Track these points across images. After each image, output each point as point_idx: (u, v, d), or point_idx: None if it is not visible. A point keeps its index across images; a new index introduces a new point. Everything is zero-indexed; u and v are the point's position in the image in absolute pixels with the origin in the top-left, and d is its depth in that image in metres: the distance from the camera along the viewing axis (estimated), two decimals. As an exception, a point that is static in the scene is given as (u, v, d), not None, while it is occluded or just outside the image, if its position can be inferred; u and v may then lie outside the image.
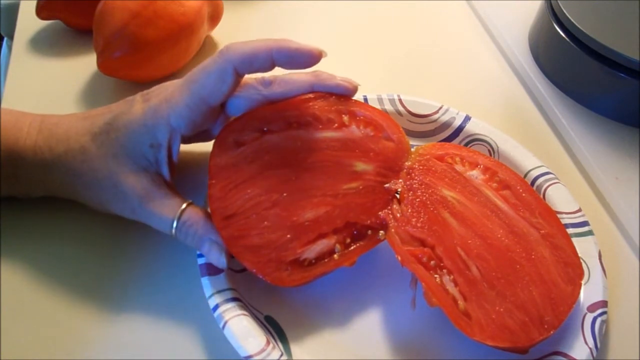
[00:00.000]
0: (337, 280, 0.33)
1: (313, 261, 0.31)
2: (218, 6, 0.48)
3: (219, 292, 0.30)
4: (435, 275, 0.31)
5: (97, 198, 0.33)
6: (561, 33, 0.46)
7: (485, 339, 0.29)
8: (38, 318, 0.31)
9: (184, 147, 0.37)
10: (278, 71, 0.33)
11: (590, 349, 0.29)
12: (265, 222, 0.31)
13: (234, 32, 0.51)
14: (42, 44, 0.49)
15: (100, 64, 0.43)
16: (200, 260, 0.32)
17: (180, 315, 0.32)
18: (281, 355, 0.28)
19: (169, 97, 0.32)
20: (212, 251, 0.31)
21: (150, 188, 0.32)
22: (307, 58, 0.32)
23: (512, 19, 0.54)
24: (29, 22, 0.51)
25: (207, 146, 0.34)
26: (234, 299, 0.30)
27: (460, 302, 0.30)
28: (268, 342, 0.29)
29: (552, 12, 0.47)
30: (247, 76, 0.33)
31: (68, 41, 0.50)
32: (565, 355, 0.29)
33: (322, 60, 0.50)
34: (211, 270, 0.31)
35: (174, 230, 0.32)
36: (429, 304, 0.30)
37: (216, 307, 0.30)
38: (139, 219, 0.33)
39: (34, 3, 0.48)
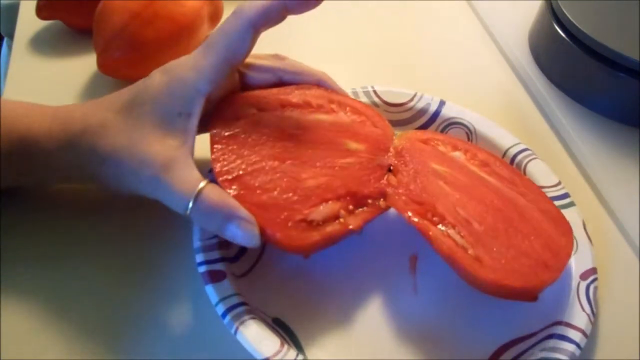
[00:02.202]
0: (338, 275, 0.34)
1: (321, 223, 0.31)
2: (218, 6, 0.48)
3: (225, 298, 0.30)
4: (442, 228, 0.32)
5: (113, 172, 0.32)
6: (561, 33, 0.46)
7: (500, 279, 0.29)
8: (35, 319, 0.31)
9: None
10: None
11: (587, 315, 0.30)
12: (271, 184, 0.31)
13: (234, 32, 0.51)
14: (42, 44, 0.49)
15: (100, 64, 0.43)
16: (201, 269, 0.31)
17: (185, 320, 0.32)
18: (297, 354, 0.28)
19: (193, 65, 0.32)
20: (242, 229, 0.29)
21: (174, 156, 0.31)
22: None
23: (512, 19, 0.54)
24: (29, 22, 0.51)
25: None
26: (241, 304, 0.30)
27: (470, 250, 0.31)
28: (282, 344, 0.29)
29: (552, 12, 0.47)
30: (259, 52, 0.35)
31: (68, 41, 0.50)
32: (566, 324, 0.30)
33: (323, 61, 0.50)
34: (214, 277, 0.31)
35: (189, 210, 0.30)
36: (440, 254, 0.31)
37: (225, 313, 0.29)
38: (154, 193, 0.31)
39: (34, 3, 0.48)
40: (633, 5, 0.46)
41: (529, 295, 0.30)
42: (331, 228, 0.31)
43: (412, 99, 0.42)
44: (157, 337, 0.31)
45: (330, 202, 0.32)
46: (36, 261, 0.34)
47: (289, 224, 0.30)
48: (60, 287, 0.33)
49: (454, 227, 0.32)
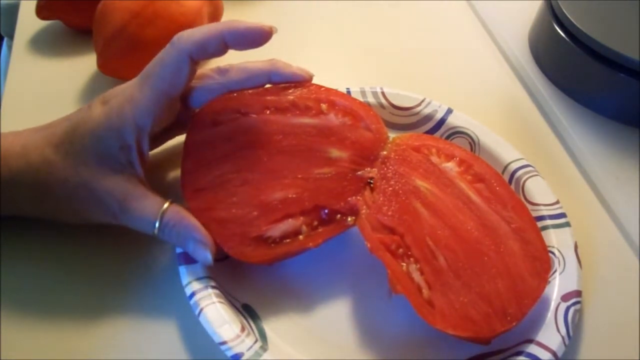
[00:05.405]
0: (316, 269, 0.34)
1: (277, 240, 0.32)
2: (218, 6, 0.48)
3: (195, 280, 0.31)
4: (402, 264, 0.31)
5: (71, 209, 0.32)
6: (561, 33, 0.46)
7: (446, 327, 0.29)
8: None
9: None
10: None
11: (562, 337, 0.29)
12: (234, 198, 0.32)
13: (234, 32, 0.51)
14: (42, 44, 0.49)
15: (100, 64, 0.43)
16: (178, 249, 0.32)
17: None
18: (255, 341, 0.29)
19: (129, 96, 0.31)
20: (198, 249, 0.31)
21: (128, 189, 0.31)
22: (258, 35, 0.32)
23: (512, 19, 0.54)
24: (29, 22, 0.51)
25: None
26: (211, 287, 0.31)
27: (425, 291, 0.30)
28: (243, 329, 0.29)
29: (552, 12, 0.47)
30: (203, 68, 0.33)
31: (68, 41, 0.50)
32: (537, 343, 0.29)
33: (322, 61, 0.50)
34: (188, 259, 0.31)
35: (156, 231, 0.31)
36: (393, 291, 0.30)
37: (192, 294, 0.30)
38: (120, 223, 0.32)
39: (34, 3, 0.48)
40: (633, 5, 0.46)
41: (481, 341, 0.30)
42: (287, 247, 0.32)
43: (419, 104, 0.41)
44: (157, 336, 0.31)
45: (293, 217, 0.32)
46: (36, 261, 0.34)
47: (244, 240, 0.31)
48: (60, 286, 0.33)
49: (417, 262, 0.31)
